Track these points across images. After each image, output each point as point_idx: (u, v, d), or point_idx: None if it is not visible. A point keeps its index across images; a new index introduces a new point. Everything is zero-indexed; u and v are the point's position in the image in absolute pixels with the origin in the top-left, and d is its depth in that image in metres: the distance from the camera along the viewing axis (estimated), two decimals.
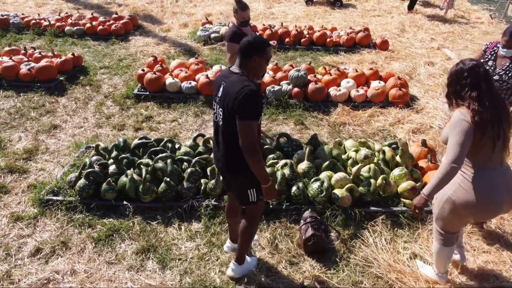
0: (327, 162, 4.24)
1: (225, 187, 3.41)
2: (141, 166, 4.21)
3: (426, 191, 2.67)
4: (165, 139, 4.71)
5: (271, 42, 4.57)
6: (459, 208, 2.73)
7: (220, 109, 2.76)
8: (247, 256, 3.33)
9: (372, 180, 3.96)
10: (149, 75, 6.37)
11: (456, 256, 3.30)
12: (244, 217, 3.12)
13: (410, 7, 11.62)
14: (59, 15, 10.10)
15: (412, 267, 3.36)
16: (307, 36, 8.76)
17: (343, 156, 4.48)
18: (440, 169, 2.59)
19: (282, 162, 4.25)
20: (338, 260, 3.46)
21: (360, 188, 3.98)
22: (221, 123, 2.79)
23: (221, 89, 2.75)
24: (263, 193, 2.85)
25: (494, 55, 3.79)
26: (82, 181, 4.04)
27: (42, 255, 3.51)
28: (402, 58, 8.11)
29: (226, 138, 2.80)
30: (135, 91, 6.50)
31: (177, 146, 4.66)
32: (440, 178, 2.57)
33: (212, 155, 4.46)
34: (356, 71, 6.65)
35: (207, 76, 6.30)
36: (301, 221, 3.70)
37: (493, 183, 2.63)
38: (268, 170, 4.18)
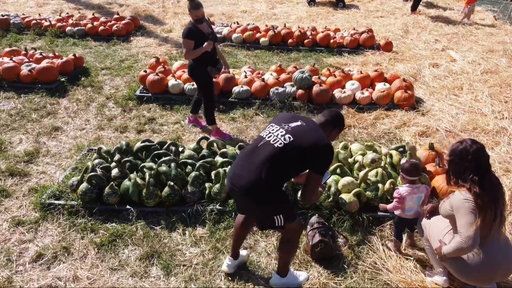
0: (334, 166, 4.16)
1: (239, 210, 3.20)
2: (144, 169, 4.14)
3: (446, 251, 2.80)
4: (169, 142, 4.63)
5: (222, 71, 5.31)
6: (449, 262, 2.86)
7: (288, 135, 2.67)
8: (296, 271, 3.22)
9: (380, 185, 3.89)
10: (151, 77, 6.30)
11: (439, 279, 3.17)
12: (280, 237, 3.08)
13: (414, 8, 11.55)
14: (60, 15, 10.03)
15: (419, 273, 3.29)
16: (310, 37, 8.70)
17: (349, 160, 4.41)
18: (459, 244, 2.67)
19: None
20: (346, 266, 3.39)
21: (368, 193, 3.90)
22: (278, 145, 2.66)
23: (296, 123, 2.77)
24: (291, 218, 2.83)
25: None
26: (84, 185, 3.96)
27: (43, 261, 3.43)
28: (407, 60, 8.04)
29: (273, 167, 2.63)
30: (137, 93, 6.43)
31: (180, 149, 4.59)
32: (457, 252, 2.73)
33: (216, 158, 4.38)
34: (361, 73, 6.58)
35: None
36: (308, 226, 3.63)
37: (488, 259, 2.71)
38: None
